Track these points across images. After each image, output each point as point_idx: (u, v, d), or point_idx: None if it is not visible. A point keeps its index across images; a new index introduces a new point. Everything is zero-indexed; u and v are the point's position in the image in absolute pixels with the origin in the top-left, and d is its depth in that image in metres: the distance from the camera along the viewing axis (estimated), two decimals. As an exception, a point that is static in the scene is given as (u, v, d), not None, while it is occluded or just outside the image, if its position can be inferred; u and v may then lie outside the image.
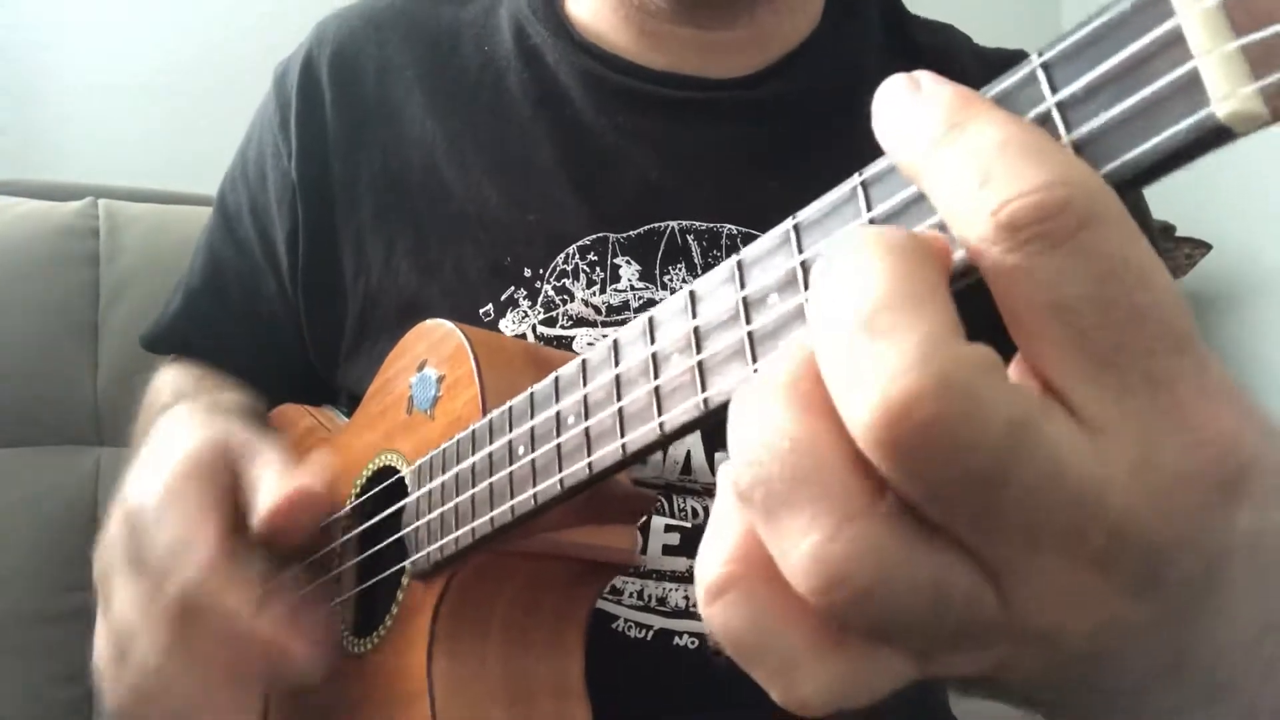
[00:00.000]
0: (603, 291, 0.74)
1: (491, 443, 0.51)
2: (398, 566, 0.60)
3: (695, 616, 0.69)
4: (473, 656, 0.57)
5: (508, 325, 0.74)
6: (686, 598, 0.70)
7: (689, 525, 0.70)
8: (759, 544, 0.27)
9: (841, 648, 0.27)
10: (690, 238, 0.76)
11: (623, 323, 0.73)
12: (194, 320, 0.92)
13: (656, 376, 0.38)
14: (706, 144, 0.78)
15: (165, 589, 0.55)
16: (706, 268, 0.74)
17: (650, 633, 0.69)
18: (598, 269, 0.75)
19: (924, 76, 0.28)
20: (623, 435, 0.40)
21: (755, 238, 0.73)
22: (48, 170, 1.33)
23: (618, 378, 0.40)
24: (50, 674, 1.03)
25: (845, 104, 0.79)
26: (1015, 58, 0.85)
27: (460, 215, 0.79)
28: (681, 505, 0.71)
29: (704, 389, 0.35)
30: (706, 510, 0.70)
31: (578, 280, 0.75)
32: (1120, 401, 0.25)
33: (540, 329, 0.74)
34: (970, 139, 0.26)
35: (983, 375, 0.24)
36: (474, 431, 0.53)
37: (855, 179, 0.30)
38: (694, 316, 0.36)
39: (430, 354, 0.63)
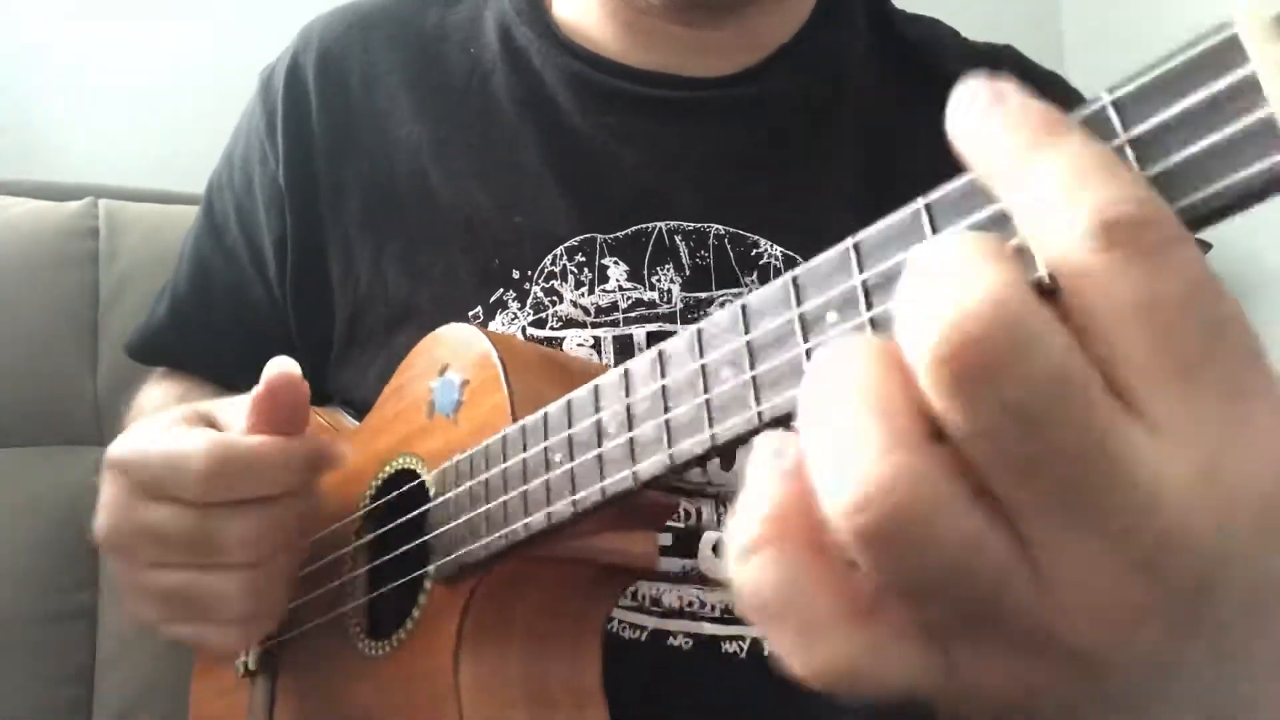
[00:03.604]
0: (591, 292, 0.75)
1: (525, 450, 0.52)
2: (420, 571, 0.61)
3: (689, 616, 0.70)
4: (497, 660, 0.58)
5: (497, 327, 0.75)
6: (680, 597, 0.70)
7: (682, 526, 0.71)
8: (798, 507, 0.28)
9: (866, 621, 0.28)
10: (678, 238, 0.76)
11: (612, 324, 0.74)
12: (181, 329, 0.92)
13: (707, 390, 0.39)
14: (693, 144, 0.79)
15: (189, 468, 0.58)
16: (694, 268, 0.75)
17: (644, 633, 0.70)
18: (586, 270, 0.76)
19: (1009, 90, 0.28)
20: (670, 446, 0.41)
21: (742, 238, 0.76)
22: (48, 170, 1.33)
23: (664, 389, 0.41)
24: (50, 674, 1.03)
25: (831, 102, 0.81)
26: (1002, 53, 0.87)
27: (448, 219, 0.79)
28: None
29: (759, 403, 0.36)
30: (699, 512, 0.71)
31: (566, 281, 0.75)
32: (1192, 406, 0.25)
33: (530, 330, 0.75)
34: (1068, 150, 0.27)
35: (1044, 325, 0.25)
36: (505, 437, 0.54)
37: (919, 203, 0.31)
38: (747, 332, 0.37)
39: (452, 358, 0.63)
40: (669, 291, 0.75)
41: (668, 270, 0.75)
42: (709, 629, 0.70)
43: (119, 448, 0.63)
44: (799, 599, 0.28)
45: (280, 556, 0.61)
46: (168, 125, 1.60)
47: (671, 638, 0.70)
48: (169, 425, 0.63)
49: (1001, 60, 0.86)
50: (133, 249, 1.16)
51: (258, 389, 0.59)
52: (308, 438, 0.61)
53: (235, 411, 0.63)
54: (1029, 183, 0.27)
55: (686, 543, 0.71)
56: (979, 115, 0.28)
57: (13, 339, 1.09)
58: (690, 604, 0.70)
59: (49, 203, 1.17)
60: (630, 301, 0.75)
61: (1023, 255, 0.27)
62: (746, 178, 0.78)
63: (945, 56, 0.84)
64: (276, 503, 0.59)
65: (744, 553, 0.29)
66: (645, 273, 0.75)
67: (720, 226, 0.77)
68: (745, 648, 0.70)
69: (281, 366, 0.59)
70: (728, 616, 0.71)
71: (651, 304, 0.74)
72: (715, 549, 0.70)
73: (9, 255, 1.11)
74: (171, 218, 1.20)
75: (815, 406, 0.28)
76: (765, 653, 0.71)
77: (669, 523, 0.71)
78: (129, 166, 1.45)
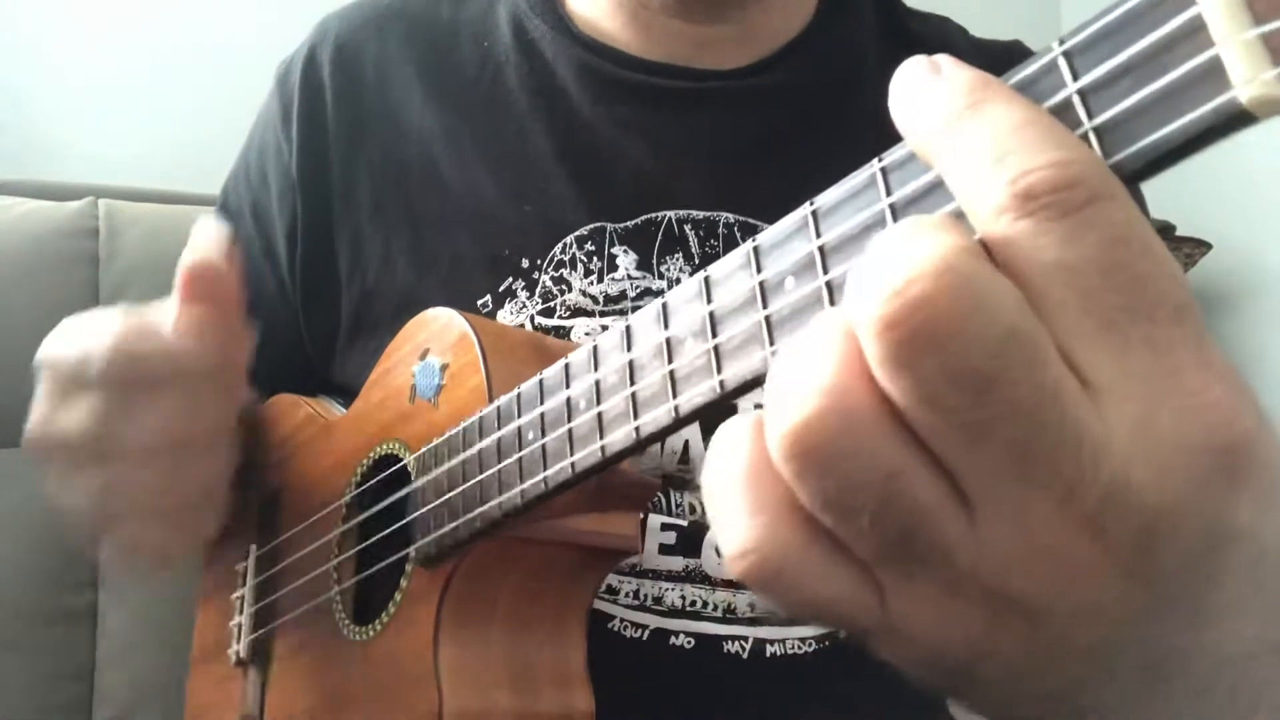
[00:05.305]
0: (600, 281, 0.75)
1: (500, 429, 0.52)
2: (400, 554, 0.61)
3: (691, 616, 0.70)
4: (478, 643, 0.58)
5: (505, 316, 0.75)
6: (683, 597, 0.70)
7: (685, 524, 0.71)
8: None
9: (803, 522, 0.29)
10: (687, 227, 0.77)
11: (620, 312, 0.74)
12: None
13: (671, 361, 0.38)
14: (702, 134, 0.79)
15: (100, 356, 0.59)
16: (704, 257, 0.75)
17: (646, 632, 0.70)
18: (595, 259, 0.76)
19: (944, 60, 0.29)
20: (636, 418, 0.40)
21: (752, 227, 0.76)
22: (48, 170, 1.33)
23: (631, 362, 0.41)
24: (50, 673, 1.03)
25: (841, 94, 0.81)
26: (1011, 49, 0.87)
27: (457, 208, 0.80)
28: (679, 502, 0.71)
29: (720, 372, 0.36)
30: (703, 507, 0.71)
31: (575, 270, 0.76)
32: (1120, 362, 0.25)
33: (538, 319, 0.75)
34: (989, 118, 0.27)
35: (993, 284, 0.25)
36: (481, 418, 0.54)
37: (875, 165, 0.31)
38: (709, 301, 0.37)
39: (433, 342, 0.63)
40: (678, 280, 0.75)
41: (677, 259, 0.76)
42: (711, 628, 0.70)
43: (46, 347, 0.64)
44: (751, 478, 0.29)
45: (197, 442, 0.60)
46: (168, 125, 1.61)
47: (673, 637, 0.70)
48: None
49: (1011, 56, 0.86)
50: (133, 249, 1.16)
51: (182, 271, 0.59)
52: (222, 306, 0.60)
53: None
54: (954, 153, 0.27)
55: (689, 542, 0.71)
56: (913, 91, 0.29)
57: (13, 339, 1.09)
58: (693, 603, 0.70)
59: (49, 203, 1.17)
60: (639, 290, 0.75)
61: (961, 222, 0.27)
62: (756, 167, 0.79)
63: (956, 52, 0.84)
64: (187, 387, 0.59)
65: (720, 438, 0.30)
66: (654, 261, 0.76)
67: (730, 215, 0.77)
68: (747, 648, 0.70)
69: (207, 251, 0.59)
70: (729, 616, 0.71)
71: (660, 293, 0.74)
72: (719, 550, 0.70)
73: (9, 255, 1.11)
74: (171, 218, 1.20)
75: (782, 353, 0.29)
76: (767, 653, 0.71)
77: (672, 521, 0.70)
78: (129, 166, 1.46)
